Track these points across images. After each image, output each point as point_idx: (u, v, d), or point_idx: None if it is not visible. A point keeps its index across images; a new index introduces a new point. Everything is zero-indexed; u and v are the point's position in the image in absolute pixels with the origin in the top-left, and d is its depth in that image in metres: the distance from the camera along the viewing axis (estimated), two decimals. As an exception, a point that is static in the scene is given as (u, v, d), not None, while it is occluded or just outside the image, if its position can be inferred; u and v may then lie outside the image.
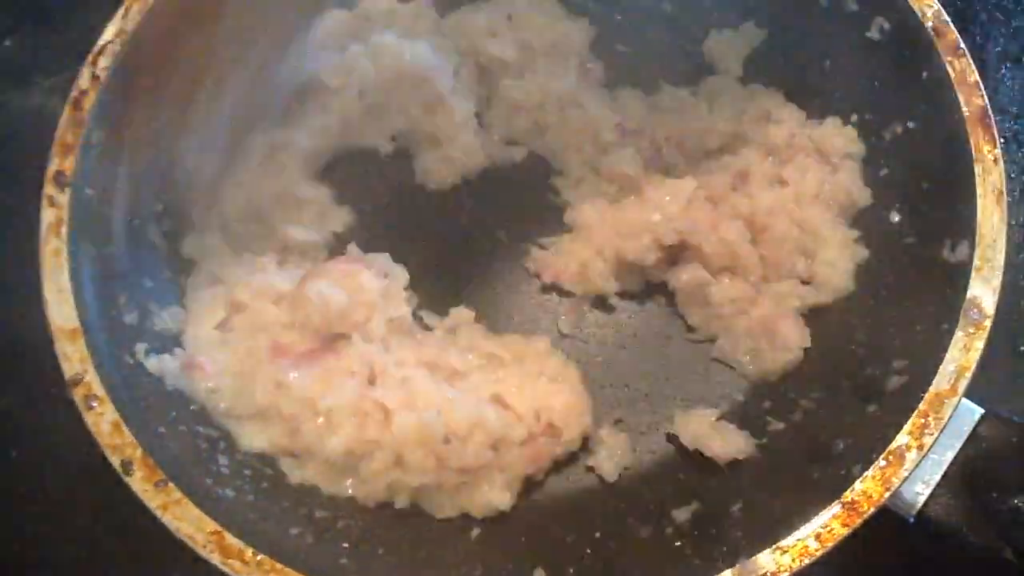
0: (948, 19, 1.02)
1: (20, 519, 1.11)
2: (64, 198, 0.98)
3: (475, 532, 0.99)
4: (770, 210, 1.10)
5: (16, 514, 1.11)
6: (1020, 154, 1.25)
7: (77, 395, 0.89)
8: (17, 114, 1.31)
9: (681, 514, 0.97)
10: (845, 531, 0.83)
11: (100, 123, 1.02)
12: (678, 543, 0.92)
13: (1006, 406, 0.91)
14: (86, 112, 1.01)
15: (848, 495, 0.84)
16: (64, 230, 0.96)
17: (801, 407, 1.01)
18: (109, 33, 1.05)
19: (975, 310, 0.90)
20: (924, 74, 1.02)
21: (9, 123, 1.31)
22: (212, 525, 0.84)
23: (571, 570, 0.94)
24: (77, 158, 1.00)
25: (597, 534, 0.97)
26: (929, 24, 1.02)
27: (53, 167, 0.99)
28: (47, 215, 0.97)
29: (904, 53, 1.05)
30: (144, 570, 1.08)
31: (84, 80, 1.03)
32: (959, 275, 0.92)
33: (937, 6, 1.02)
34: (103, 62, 1.03)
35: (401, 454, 0.96)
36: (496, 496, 0.99)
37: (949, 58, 1.00)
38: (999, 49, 1.30)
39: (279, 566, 0.83)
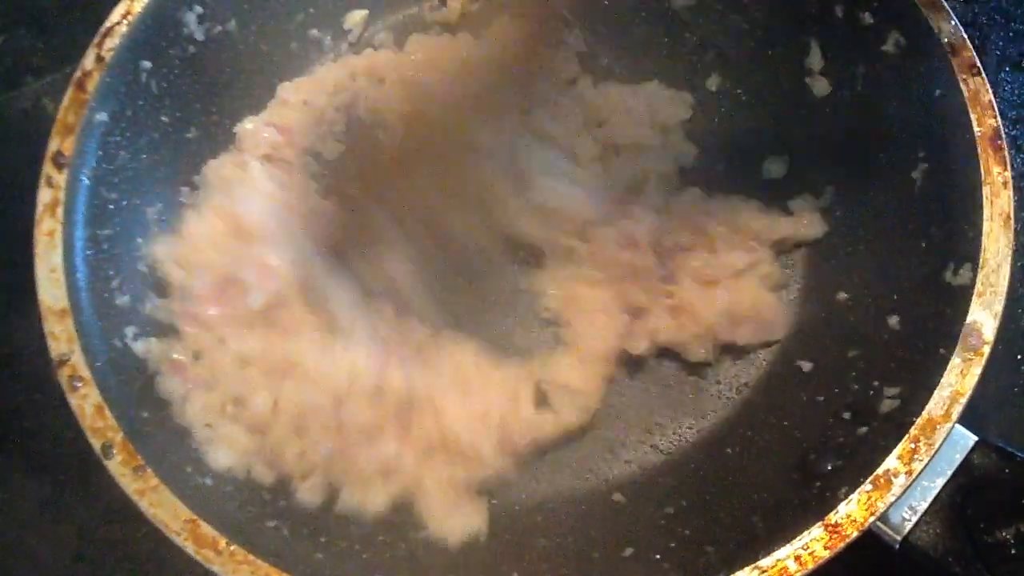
0: (965, 36, 1.00)
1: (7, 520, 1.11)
2: (62, 178, 0.98)
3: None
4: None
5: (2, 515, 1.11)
6: (1019, 159, 1.23)
7: (62, 376, 0.89)
8: (7, 116, 1.32)
9: (661, 529, 0.95)
10: (827, 554, 0.81)
11: (103, 105, 1.02)
12: (656, 556, 0.90)
13: (1000, 435, 0.89)
14: (89, 94, 1.02)
15: (832, 517, 0.82)
16: (60, 211, 0.97)
17: (790, 425, 0.99)
18: (116, 15, 1.05)
19: (974, 336, 0.88)
20: (937, 91, 1.00)
21: None
22: (187, 513, 0.84)
23: (549, 576, 0.93)
24: (78, 139, 1.00)
25: (577, 545, 0.96)
26: (945, 40, 1.00)
27: (53, 147, 0.99)
28: (44, 195, 0.97)
29: (918, 69, 1.03)
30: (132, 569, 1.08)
31: (89, 61, 1.03)
32: (960, 299, 0.90)
33: (954, 22, 1.00)
34: (108, 43, 1.04)
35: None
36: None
37: (963, 76, 0.98)
38: (998, 53, 1.28)
39: (251, 557, 0.82)
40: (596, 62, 1.24)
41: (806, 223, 1.12)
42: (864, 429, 0.90)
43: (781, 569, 0.80)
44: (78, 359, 0.90)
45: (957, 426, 0.86)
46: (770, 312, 1.08)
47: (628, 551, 0.92)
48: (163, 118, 1.11)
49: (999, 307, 0.89)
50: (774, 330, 1.09)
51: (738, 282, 1.09)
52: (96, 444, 0.87)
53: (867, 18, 1.08)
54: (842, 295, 1.07)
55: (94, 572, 1.07)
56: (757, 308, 1.08)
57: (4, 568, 1.08)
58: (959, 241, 0.93)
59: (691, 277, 1.08)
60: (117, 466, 0.86)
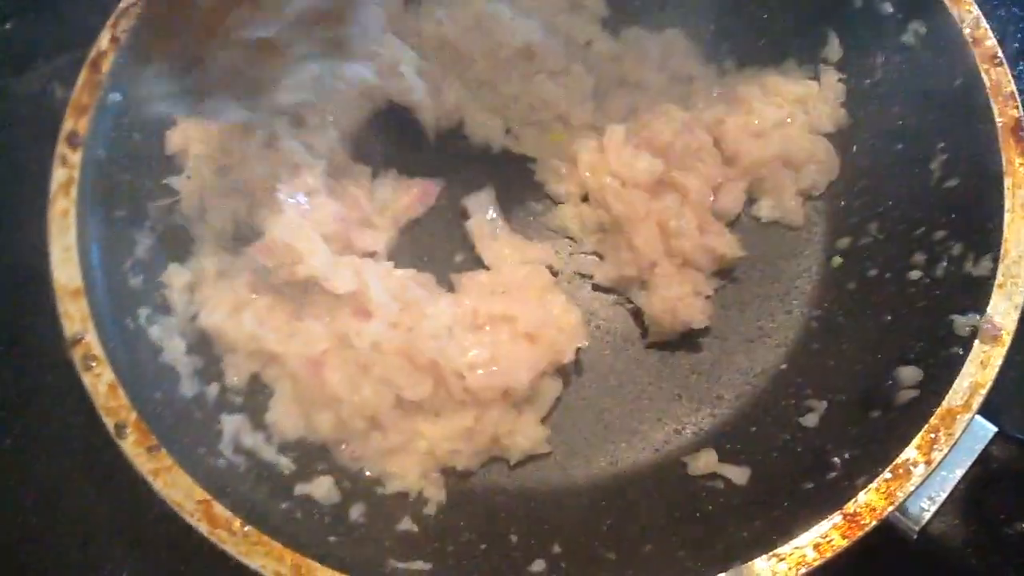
0: (987, 26, 0.99)
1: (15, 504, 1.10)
2: (76, 158, 0.97)
3: (470, 516, 0.97)
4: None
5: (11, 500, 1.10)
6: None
7: (76, 355, 0.89)
8: (17, 99, 1.30)
9: (677, 518, 0.95)
10: (845, 543, 0.81)
11: (117, 85, 1.01)
12: (673, 538, 0.90)
13: (1017, 427, 0.88)
14: (104, 74, 1.01)
15: (850, 506, 0.82)
16: (74, 190, 0.96)
17: (809, 416, 0.99)
18: (131, -6, 1.04)
19: (994, 326, 0.87)
20: (958, 82, 0.99)
21: (9, 108, 1.30)
22: (201, 494, 0.83)
23: (568, 565, 0.91)
24: (92, 119, 0.99)
25: (594, 533, 0.95)
26: (967, 30, 1.00)
27: (68, 126, 0.98)
28: (58, 175, 0.96)
29: (939, 59, 1.02)
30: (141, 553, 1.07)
31: (103, 41, 1.02)
32: (980, 289, 0.90)
33: (976, 12, 1.00)
34: (123, 24, 1.03)
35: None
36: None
37: (985, 67, 0.98)
38: (1016, 45, 1.28)
39: (265, 538, 0.81)
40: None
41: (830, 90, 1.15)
42: (882, 419, 0.90)
43: (799, 557, 0.80)
44: (92, 339, 0.89)
45: (976, 417, 0.85)
46: (823, 152, 1.14)
47: (647, 546, 0.91)
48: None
49: (1020, 298, 0.88)
50: (832, 168, 1.13)
51: (783, 131, 1.14)
52: (109, 424, 0.86)
53: (887, 8, 1.07)
54: (860, 283, 1.06)
55: (103, 556, 1.06)
56: (811, 150, 1.13)
57: (13, 552, 1.07)
58: (979, 232, 0.93)
59: (737, 132, 1.13)
60: (131, 446, 0.85)
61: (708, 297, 1.08)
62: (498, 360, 0.98)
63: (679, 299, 1.05)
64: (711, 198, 1.11)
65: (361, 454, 0.99)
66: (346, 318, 0.99)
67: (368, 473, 0.99)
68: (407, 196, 1.14)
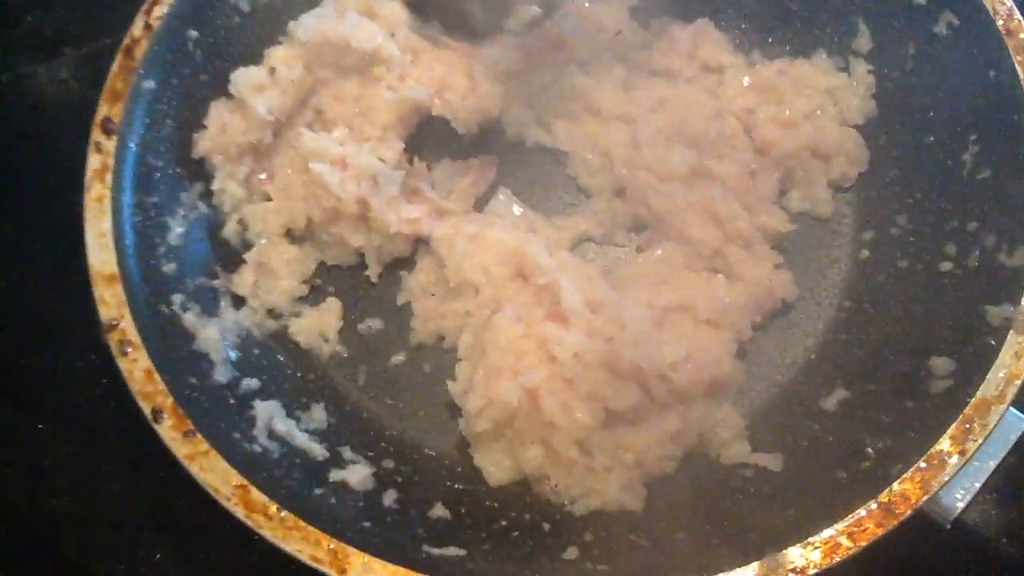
0: (1021, 17, 0.99)
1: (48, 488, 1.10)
2: (111, 145, 0.98)
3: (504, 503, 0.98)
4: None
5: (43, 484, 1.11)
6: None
7: (112, 340, 0.89)
8: (43, 87, 1.31)
9: (712, 505, 0.95)
10: (879, 531, 0.81)
11: (151, 72, 1.02)
12: (706, 526, 0.90)
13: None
14: (137, 61, 1.02)
15: (885, 495, 0.82)
16: (109, 176, 0.96)
17: (839, 406, 0.99)
18: (165, -18, 1.04)
19: (1030, 317, 0.87)
20: (991, 73, 0.99)
21: (35, 95, 1.31)
22: (237, 478, 0.84)
23: (601, 552, 0.91)
24: (126, 106, 1.00)
25: (627, 521, 0.95)
26: (1000, 21, 0.99)
27: (101, 113, 0.99)
28: (93, 161, 0.97)
29: (971, 51, 1.02)
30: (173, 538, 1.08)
31: (137, 29, 1.03)
32: (1014, 279, 0.90)
33: (1010, 3, 1.00)
34: (157, 11, 1.03)
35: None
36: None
37: (1019, 58, 0.97)
38: None
39: (301, 523, 0.82)
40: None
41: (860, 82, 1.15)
42: (917, 409, 0.90)
43: (833, 546, 0.80)
44: (127, 324, 0.90)
45: (1011, 408, 0.85)
46: (853, 143, 1.14)
47: (680, 534, 0.91)
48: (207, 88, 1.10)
49: (1055, 288, 0.88)
50: (862, 159, 1.14)
51: (813, 121, 1.13)
52: (146, 408, 0.87)
53: (919, -2, 1.07)
54: (890, 274, 1.06)
55: (135, 540, 1.07)
56: (841, 141, 1.13)
57: (46, 535, 1.08)
58: (1014, 222, 0.93)
59: (767, 122, 1.13)
60: (167, 430, 0.86)
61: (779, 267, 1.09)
62: (694, 354, 0.97)
63: (768, 277, 1.06)
64: (749, 182, 1.10)
65: (566, 485, 0.96)
66: (543, 322, 0.98)
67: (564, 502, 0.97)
68: (470, 174, 1.14)
